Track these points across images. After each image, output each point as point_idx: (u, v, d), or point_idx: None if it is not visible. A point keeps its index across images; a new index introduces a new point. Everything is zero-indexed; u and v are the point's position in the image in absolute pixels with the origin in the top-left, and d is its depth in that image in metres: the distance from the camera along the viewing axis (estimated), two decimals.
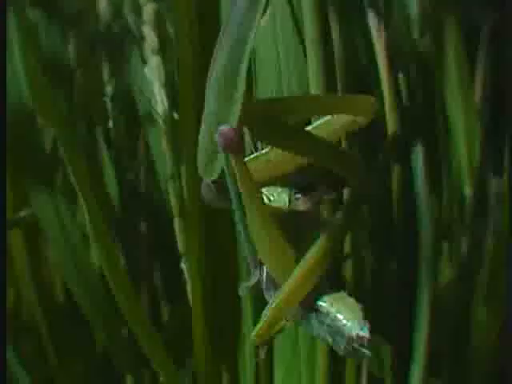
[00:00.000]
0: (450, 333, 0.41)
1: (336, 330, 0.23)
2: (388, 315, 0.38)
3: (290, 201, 0.24)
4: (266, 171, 0.23)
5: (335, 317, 0.23)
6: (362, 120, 0.22)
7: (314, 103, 0.22)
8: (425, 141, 0.37)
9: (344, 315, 0.23)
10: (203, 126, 0.21)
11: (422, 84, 0.40)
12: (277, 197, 0.25)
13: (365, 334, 0.23)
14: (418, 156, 0.33)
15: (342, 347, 0.23)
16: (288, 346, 0.30)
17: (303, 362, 0.30)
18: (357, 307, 0.23)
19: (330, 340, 0.24)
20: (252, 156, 0.23)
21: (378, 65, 0.29)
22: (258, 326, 0.24)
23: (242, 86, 0.19)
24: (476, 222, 0.42)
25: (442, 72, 0.41)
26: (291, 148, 0.22)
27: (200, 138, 0.21)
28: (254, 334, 0.24)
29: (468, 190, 0.42)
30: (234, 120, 0.19)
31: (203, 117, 0.20)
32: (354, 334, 0.23)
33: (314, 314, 0.24)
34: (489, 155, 0.42)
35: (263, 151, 0.23)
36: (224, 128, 0.19)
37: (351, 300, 0.23)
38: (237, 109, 0.19)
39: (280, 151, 0.23)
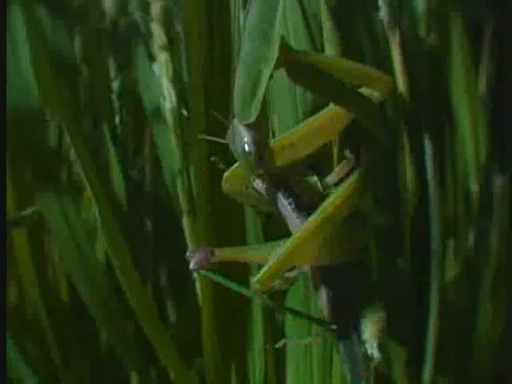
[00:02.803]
0: (455, 330, 0.41)
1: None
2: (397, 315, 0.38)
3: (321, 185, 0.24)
4: (289, 154, 0.23)
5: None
6: (377, 96, 0.23)
7: (345, 66, 0.23)
8: (431, 138, 0.36)
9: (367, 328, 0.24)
10: (240, 68, 0.20)
11: (428, 82, 0.40)
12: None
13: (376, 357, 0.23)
14: (428, 153, 0.33)
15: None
16: (299, 344, 0.30)
17: (315, 361, 0.30)
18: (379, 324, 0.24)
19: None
20: (276, 139, 0.23)
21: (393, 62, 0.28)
22: (262, 270, 0.23)
23: (278, 28, 0.19)
24: (482, 220, 0.42)
25: (449, 71, 0.41)
26: (326, 94, 0.23)
27: (236, 81, 0.20)
28: (256, 279, 0.23)
29: (474, 188, 0.42)
30: (271, 60, 0.19)
31: (240, 58, 0.20)
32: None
33: None
34: (495, 153, 0.42)
35: (285, 134, 0.23)
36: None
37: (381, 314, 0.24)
38: (274, 50, 0.19)
39: (302, 133, 0.23)
